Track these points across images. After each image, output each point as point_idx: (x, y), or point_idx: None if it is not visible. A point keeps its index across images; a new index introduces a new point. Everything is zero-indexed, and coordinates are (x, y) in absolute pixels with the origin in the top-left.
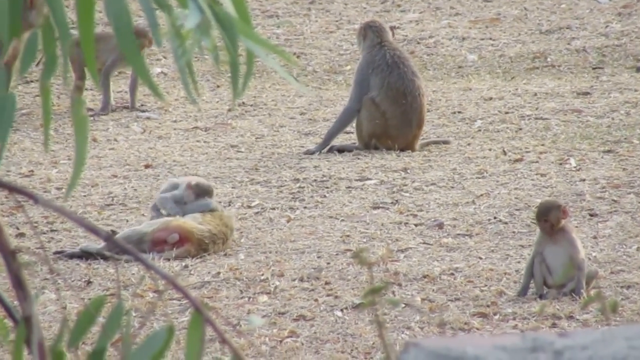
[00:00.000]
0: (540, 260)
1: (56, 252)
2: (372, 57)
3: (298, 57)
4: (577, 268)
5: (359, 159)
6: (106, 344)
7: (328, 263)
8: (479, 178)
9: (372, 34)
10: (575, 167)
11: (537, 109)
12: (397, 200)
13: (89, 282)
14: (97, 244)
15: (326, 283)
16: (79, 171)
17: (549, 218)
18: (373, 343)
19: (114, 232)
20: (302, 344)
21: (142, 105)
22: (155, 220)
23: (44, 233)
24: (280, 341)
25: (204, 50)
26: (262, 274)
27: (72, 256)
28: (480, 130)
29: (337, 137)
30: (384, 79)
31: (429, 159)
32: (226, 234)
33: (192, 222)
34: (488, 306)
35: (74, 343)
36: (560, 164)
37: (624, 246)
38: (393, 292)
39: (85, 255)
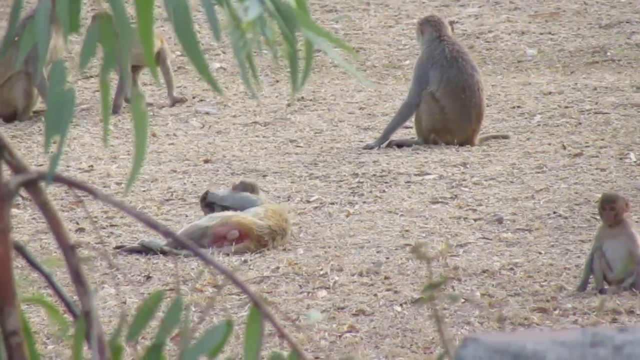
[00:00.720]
0: (599, 255)
1: (116, 247)
2: (432, 52)
3: (357, 52)
4: (637, 263)
5: (418, 153)
6: (165, 339)
7: (387, 258)
8: (539, 173)
9: (430, 28)
10: (635, 161)
11: (596, 103)
12: (456, 195)
13: (148, 277)
14: (159, 240)
15: (385, 278)
16: (138, 166)
17: (616, 206)
18: (432, 338)
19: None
20: (362, 339)
21: (200, 100)
22: (215, 214)
23: (104, 228)
24: (340, 336)
25: (262, 44)
26: (321, 269)
27: (131, 251)
28: (539, 125)
29: (396, 132)
30: (443, 73)
31: (488, 153)
32: (285, 229)
33: (252, 217)
34: (548, 301)
35: (132, 337)
36: (620, 158)
37: None
38: (452, 287)
39: (145, 250)
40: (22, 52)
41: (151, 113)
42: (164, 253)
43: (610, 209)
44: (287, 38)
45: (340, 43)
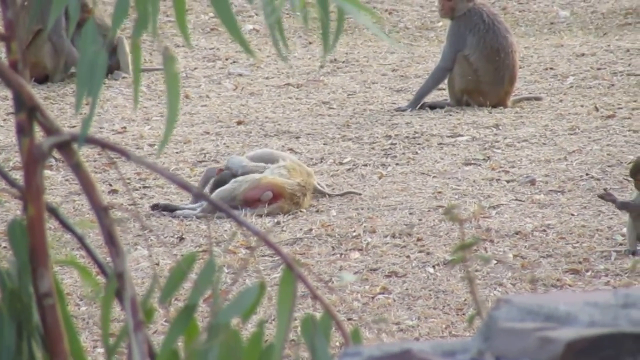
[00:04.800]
0: (635, 217)
1: (153, 206)
2: (469, 17)
3: (390, 13)
4: None
5: (450, 115)
6: (197, 300)
7: (420, 219)
8: (571, 134)
9: None
10: None
11: (629, 65)
12: (489, 157)
13: (181, 239)
14: (193, 210)
15: (418, 239)
16: (171, 128)
17: None
18: (465, 299)
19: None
20: (394, 301)
21: (233, 62)
22: (241, 177)
23: (137, 190)
24: (372, 297)
25: (294, 7)
26: (354, 231)
27: (166, 209)
28: (572, 87)
29: (428, 95)
30: (481, 38)
31: (521, 115)
32: (311, 184)
33: (281, 177)
34: (580, 263)
35: (165, 299)
36: None
37: None
38: (485, 249)
39: (184, 217)
40: (53, 14)
41: (184, 75)
42: (199, 217)
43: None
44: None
45: (368, 10)
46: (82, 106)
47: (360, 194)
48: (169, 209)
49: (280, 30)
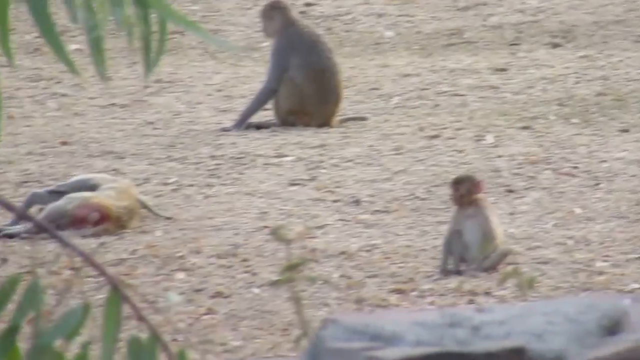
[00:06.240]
0: (457, 237)
1: None
2: (289, 37)
3: (215, 33)
4: (493, 244)
5: (276, 135)
6: (21, 322)
7: (245, 240)
8: (396, 154)
9: (279, 15)
10: (492, 143)
11: (454, 85)
12: (314, 177)
13: (4, 260)
14: (19, 226)
15: (244, 260)
16: None
17: (460, 188)
18: (290, 320)
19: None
20: (220, 321)
21: (57, 81)
22: (72, 195)
23: None
24: (198, 318)
25: (118, 22)
26: (179, 251)
27: None
28: (397, 107)
29: (254, 116)
30: (304, 58)
31: (346, 135)
32: (137, 207)
33: (109, 199)
34: (405, 282)
35: None
36: (477, 140)
37: (541, 222)
38: (311, 269)
39: (9, 237)
40: None
41: (7, 95)
42: (24, 238)
43: (455, 190)
44: (141, 19)
45: (194, 25)
46: None
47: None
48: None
49: (100, 48)
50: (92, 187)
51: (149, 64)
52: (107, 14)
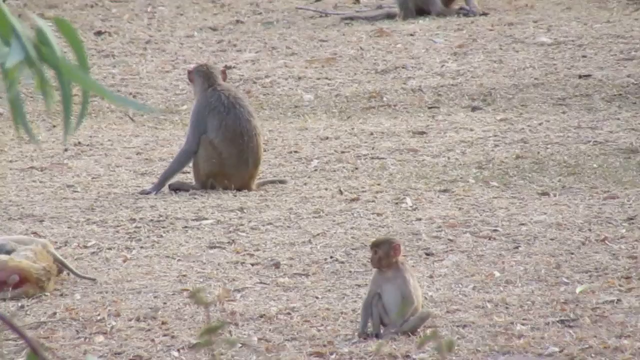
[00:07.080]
0: (376, 299)
1: None
2: (207, 99)
3: (134, 96)
4: (412, 307)
5: (195, 198)
6: None
7: (165, 303)
8: (316, 217)
9: (200, 78)
10: (411, 206)
11: (373, 148)
12: (233, 240)
13: None
14: None
15: (163, 323)
16: None
17: (379, 250)
18: None
19: None
20: None
21: None
22: None
23: None
24: None
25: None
26: (99, 314)
27: None
28: (316, 170)
29: (173, 178)
30: (221, 120)
31: (266, 198)
32: (55, 267)
33: (27, 260)
34: (325, 345)
35: None
36: (397, 203)
37: (460, 285)
38: (230, 332)
39: None
40: None
41: None
42: None
43: (374, 253)
44: (60, 84)
45: (108, 94)
46: None
47: (94, 279)
48: None
49: (16, 110)
50: (8, 251)
51: (69, 127)
52: (16, 78)
